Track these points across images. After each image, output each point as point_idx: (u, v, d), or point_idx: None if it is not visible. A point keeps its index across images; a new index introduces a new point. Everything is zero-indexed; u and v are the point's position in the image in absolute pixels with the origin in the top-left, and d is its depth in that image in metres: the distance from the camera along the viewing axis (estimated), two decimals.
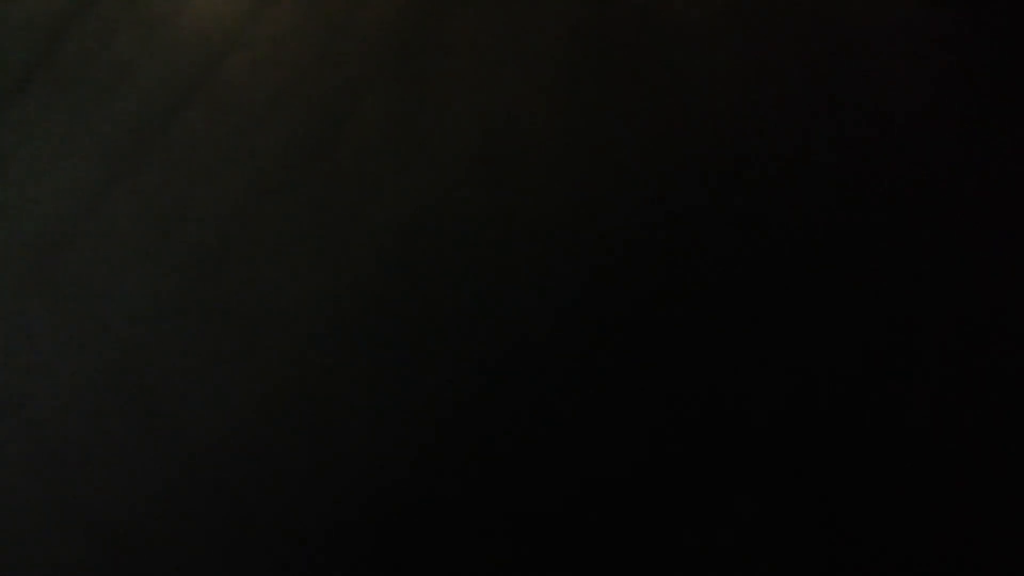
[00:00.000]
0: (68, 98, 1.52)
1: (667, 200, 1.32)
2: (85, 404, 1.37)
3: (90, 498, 1.34)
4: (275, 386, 1.33)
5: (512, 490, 1.24)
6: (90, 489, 1.34)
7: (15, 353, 1.42)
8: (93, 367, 1.39)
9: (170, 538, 1.30)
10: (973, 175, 1.28)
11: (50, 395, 1.39)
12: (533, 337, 1.29)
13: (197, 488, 1.31)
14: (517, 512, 1.24)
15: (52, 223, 1.47)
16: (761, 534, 1.19)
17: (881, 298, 1.24)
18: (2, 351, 1.43)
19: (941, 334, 1.22)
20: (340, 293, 1.35)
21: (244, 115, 1.46)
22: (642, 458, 1.23)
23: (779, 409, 1.22)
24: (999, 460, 1.18)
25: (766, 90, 1.35)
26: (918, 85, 1.32)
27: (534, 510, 1.24)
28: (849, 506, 1.19)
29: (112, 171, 1.48)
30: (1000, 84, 1.31)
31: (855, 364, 1.23)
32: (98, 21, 1.55)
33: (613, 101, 1.38)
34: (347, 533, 1.27)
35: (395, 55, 1.45)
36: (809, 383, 1.23)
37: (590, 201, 1.34)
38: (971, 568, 1.15)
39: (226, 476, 1.30)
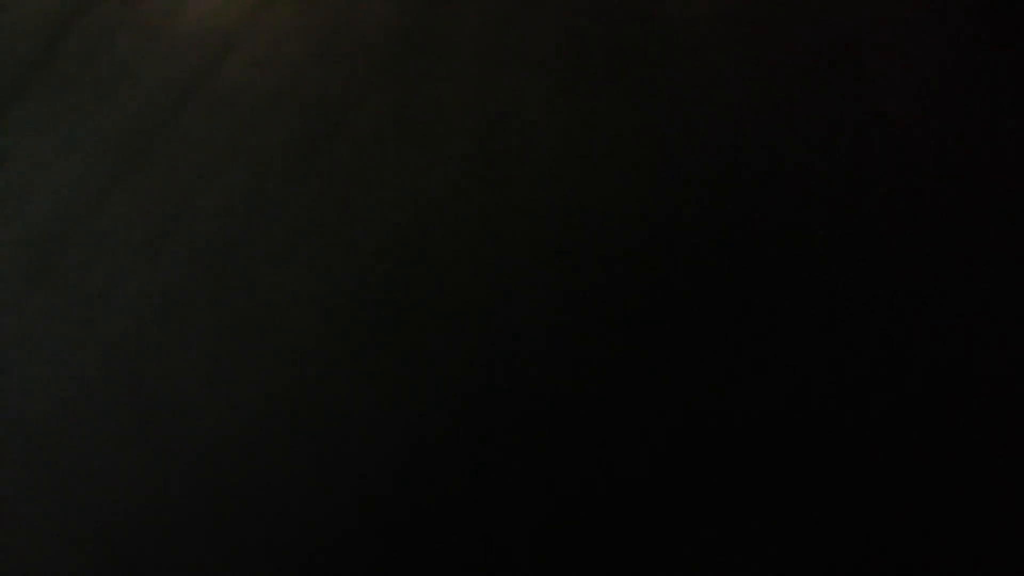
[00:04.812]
0: (68, 98, 1.52)
1: (668, 201, 1.32)
2: (85, 404, 1.37)
3: (89, 499, 1.34)
4: (276, 386, 1.33)
5: (514, 492, 1.24)
6: (89, 490, 1.34)
7: (14, 352, 1.42)
8: (93, 367, 1.39)
9: (170, 540, 1.30)
10: (973, 179, 1.28)
11: (50, 394, 1.39)
12: (534, 337, 1.29)
13: (198, 490, 1.31)
14: (517, 514, 1.24)
15: (51, 223, 1.47)
16: (759, 536, 1.19)
17: (882, 304, 1.25)
18: (1, 350, 1.43)
19: (940, 339, 1.22)
20: (341, 293, 1.35)
21: (244, 115, 1.46)
22: (641, 461, 1.23)
23: (778, 416, 1.22)
24: (999, 465, 1.18)
25: (767, 92, 1.35)
26: (918, 86, 1.32)
27: (534, 512, 1.24)
28: (849, 511, 1.19)
29: (112, 171, 1.48)
30: (1000, 85, 1.31)
31: (854, 370, 1.23)
32: (98, 21, 1.55)
33: (614, 102, 1.38)
34: (349, 534, 1.27)
35: (395, 55, 1.45)
36: (808, 391, 1.23)
37: (591, 201, 1.34)
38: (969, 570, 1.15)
39: (227, 477, 1.30)
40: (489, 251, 1.33)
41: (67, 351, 1.40)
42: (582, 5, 1.43)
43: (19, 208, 1.48)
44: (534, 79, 1.40)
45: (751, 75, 1.34)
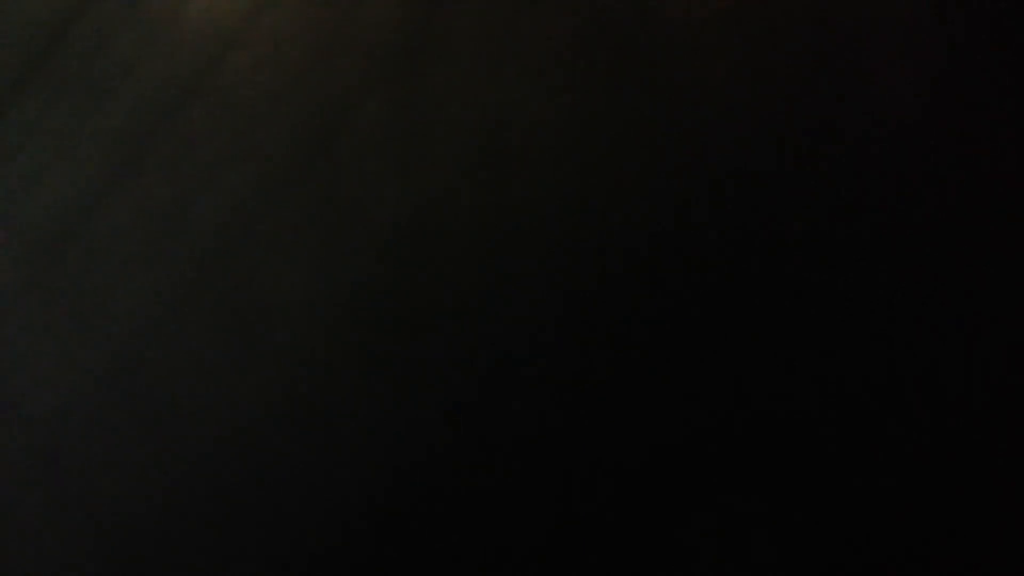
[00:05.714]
0: (68, 98, 1.52)
1: (668, 201, 1.32)
2: (85, 404, 1.38)
3: (90, 498, 1.34)
4: (275, 385, 1.33)
5: (513, 491, 1.25)
6: (90, 489, 1.34)
7: (15, 353, 1.42)
8: (94, 367, 1.39)
9: (170, 540, 1.30)
10: (973, 178, 1.28)
11: (50, 395, 1.39)
12: (532, 335, 1.29)
13: (197, 488, 1.31)
14: (517, 512, 1.24)
15: (52, 223, 1.48)
16: (757, 535, 1.19)
17: (882, 303, 1.25)
18: (2, 351, 1.43)
19: (940, 338, 1.22)
20: (340, 292, 1.35)
21: (244, 115, 1.46)
22: (641, 459, 1.23)
23: (778, 415, 1.22)
24: (999, 465, 1.18)
25: (767, 92, 1.35)
26: (917, 86, 1.32)
27: (534, 510, 1.24)
28: (849, 510, 1.19)
29: (112, 171, 1.48)
30: (1000, 85, 1.31)
31: (854, 369, 1.23)
32: (98, 21, 1.55)
33: (613, 102, 1.38)
34: (349, 534, 1.27)
35: (395, 55, 1.45)
36: (808, 389, 1.23)
37: (589, 201, 1.34)
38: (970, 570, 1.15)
39: (226, 475, 1.31)
40: (489, 251, 1.33)
41: (68, 351, 1.40)
42: (582, 5, 1.43)
43: (19, 208, 1.48)
44: (534, 79, 1.40)
45: (751, 75, 1.34)
